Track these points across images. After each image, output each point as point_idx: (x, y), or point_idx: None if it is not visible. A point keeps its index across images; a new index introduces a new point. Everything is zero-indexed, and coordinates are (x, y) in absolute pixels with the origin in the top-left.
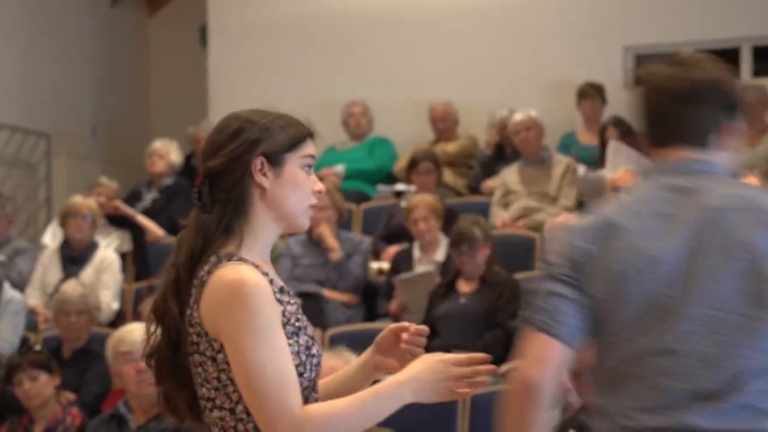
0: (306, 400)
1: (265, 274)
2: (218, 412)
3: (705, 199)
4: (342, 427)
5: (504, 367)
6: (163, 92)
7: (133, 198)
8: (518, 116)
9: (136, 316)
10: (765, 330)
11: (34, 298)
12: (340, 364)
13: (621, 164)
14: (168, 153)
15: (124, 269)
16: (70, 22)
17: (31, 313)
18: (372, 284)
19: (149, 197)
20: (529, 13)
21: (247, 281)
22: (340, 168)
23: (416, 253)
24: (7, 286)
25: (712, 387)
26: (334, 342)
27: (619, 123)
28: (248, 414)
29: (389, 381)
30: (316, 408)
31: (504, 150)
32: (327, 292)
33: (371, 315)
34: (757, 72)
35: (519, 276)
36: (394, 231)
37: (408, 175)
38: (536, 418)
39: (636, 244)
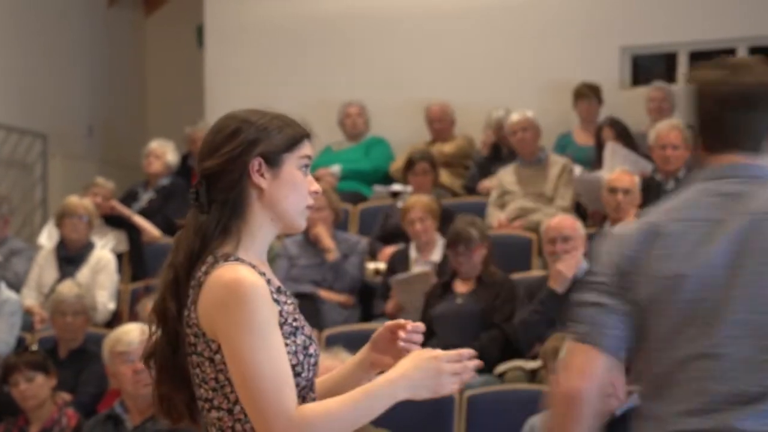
0: (303, 400)
1: (262, 274)
2: (216, 413)
3: (752, 204)
4: (336, 426)
5: (500, 368)
6: (159, 92)
7: (129, 198)
8: (515, 116)
9: (133, 317)
10: None
11: (30, 298)
12: (336, 364)
13: (617, 165)
14: (164, 153)
15: (121, 269)
16: (66, 22)
17: (27, 313)
18: (368, 285)
19: (146, 197)
20: (525, 14)
21: (245, 281)
22: (336, 168)
23: (412, 253)
24: (3, 286)
25: (754, 390)
26: (331, 342)
27: (615, 124)
28: (246, 414)
29: (381, 379)
30: (311, 408)
31: (500, 150)
32: (323, 293)
33: (368, 315)
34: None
35: (515, 276)
36: (390, 231)
37: (404, 175)
38: (579, 429)
39: (680, 249)
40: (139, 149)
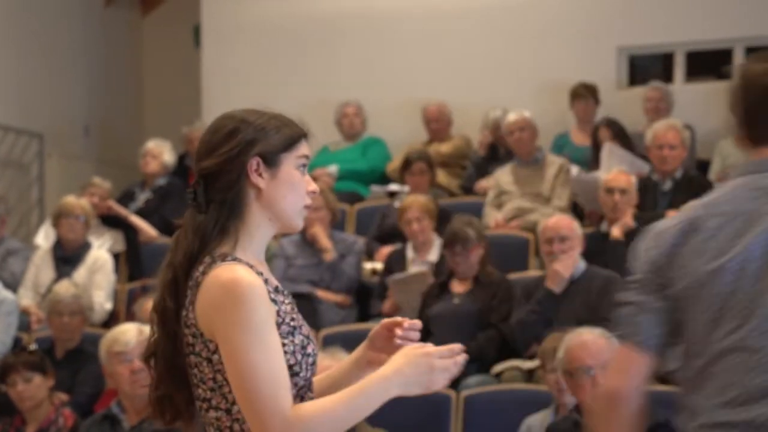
0: (302, 399)
1: (260, 273)
2: (214, 413)
3: None
4: (332, 424)
5: (497, 368)
6: (156, 92)
7: (126, 198)
8: (512, 117)
9: (129, 317)
10: None
11: (26, 298)
12: (334, 364)
13: (614, 166)
14: (161, 153)
15: (117, 269)
16: (63, 22)
17: (24, 313)
18: (365, 285)
19: (142, 197)
20: (522, 15)
21: (242, 281)
22: (333, 168)
23: (409, 253)
24: None
25: None
26: (328, 342)
27: (611, 124)
28: None
29: (375, 376)
30: (306, 407)
31: (497, 150)
32: (320, 293)
33: (365, 315)
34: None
35: (512, 276)
36: (387, 231)
37: (401, 175)
38: (624, 428)
39: (716, 243)
40: (136, 149)
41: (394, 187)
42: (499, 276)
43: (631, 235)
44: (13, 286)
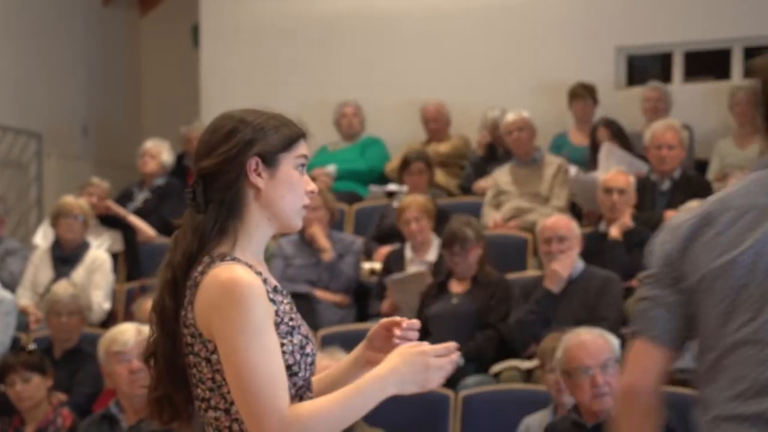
0: (301, 399)
1: (259, 273)
2: (213, 413)
3: None
4: (329, 423)
5: (496, 368)
6: (155, 92)
7: (124, 198)
8: (510, 117)
9: (128, 317)
10: None
11: (25, 298)
12: (332, 364)
13: (613, 165)
14: (160, 153)
15: (116, 269)
16: (61, 22)
17: (22, 313)
18: (364, 284)
19: (141, 197)
20: (521, 14)
21: (241, 281)
22: (331, 168)
23: (408, 253)
24: None
25: None
26: (326, 342)
27: (609, 124)
28: None
29: (371, 375)
30: (303, 407)
31: (496, 150)
32: (319, 293)
33: (363, 315)
34: (749, 73)
35: (511, 276)
36: (385, 231)
37: (400, 175)
38: (642, 422)
39: (729, 237)
40: (134, 149)
41: (392, 187)
42: (498, 276)
43: (629, 235)
44: (11, 285)
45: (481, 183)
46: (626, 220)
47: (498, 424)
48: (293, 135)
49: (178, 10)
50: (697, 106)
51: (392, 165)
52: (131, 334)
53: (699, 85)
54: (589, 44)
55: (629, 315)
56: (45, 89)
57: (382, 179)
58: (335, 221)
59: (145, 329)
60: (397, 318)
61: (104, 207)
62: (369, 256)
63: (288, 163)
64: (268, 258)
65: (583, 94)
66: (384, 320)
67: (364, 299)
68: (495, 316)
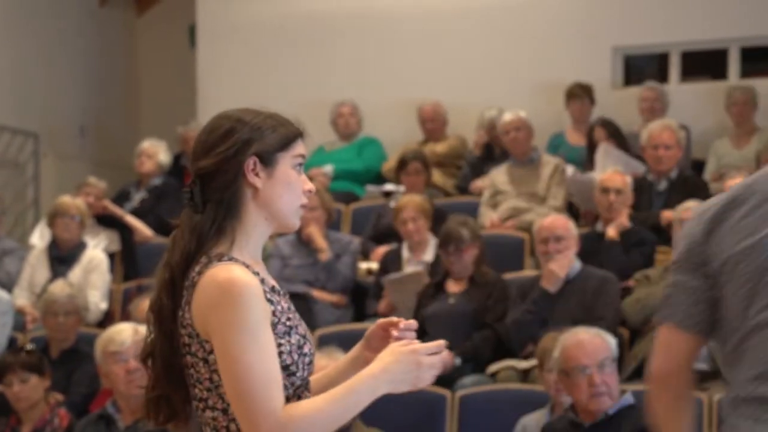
0: (299, 399)
1: (256, 273)
2: (211, 413)
3: None
4: (323, 423)
5: (493, 367)
6: (151, 92)
7: (121, 198)
8: (507, 116)
9: (125, 316)
10: None
11: (22, 298)
12: (331, 364)
13: (610, 165)
14: (156, 153)
15: (113, 269)
16: (58, 22)
17: (19, 313)
18: (361, 284)
19: (138, 197)
20: (518, 15)
21: (238, 281)
22: (328, 168)
23: (405, 253)
24: None
25: None
26: (323, 342)
27: (606, 124)
28: None
29: (363, 374)
30: (297, 407)
31: (493, 150)
32: (316, 293)
33: (360, 315)
34: (745, 73)
35: (508, 276)
36: (382, 231)
37: (397, 175)
38: (675, 403)
39: (752, 221)
40: (131, 149)
41: (389, 186)
42: (495, 276)
43: (626, 235)
44: (8, 285)
45: (478, 183)
46: (623, 220)
47: (495, 423)
48: (291, 134)
49: (175, 10)
50: (694, 106)
51: (389, 165)
52: (128, 334)
53: (696, 85)
54: (586, 44)
55: (626, 315)
56: (42, 89)
57: (379, 179)
58: (332, 221)
59: (142, 329)
60: (394, 318)
61: (101, 207)
62: (366, 256)
63: (286, 163)
64: (265, 258)
65: (580, 94)
66: (381, 320)
67: (361, 299)
68: (492, 316)
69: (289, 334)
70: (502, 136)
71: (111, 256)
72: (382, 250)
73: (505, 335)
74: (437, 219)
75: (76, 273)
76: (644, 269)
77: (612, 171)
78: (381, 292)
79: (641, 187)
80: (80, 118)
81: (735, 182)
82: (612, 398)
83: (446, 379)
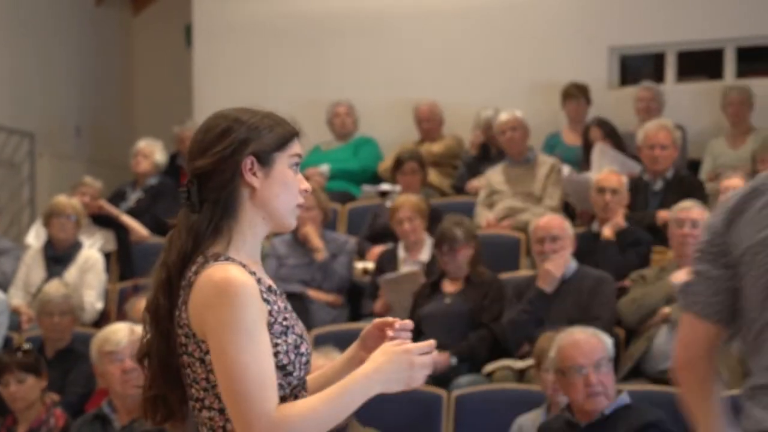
0: (296, 398)
1: (253, 273)
2: (207, 413)
3: None
4: (317, 423)
5: (489, 367)
6: (147, 92)
7: (117, 198)
8: (503, 116)
9: (121, 316)
10: None
11: (17, 297)
12: (327, 364)
13: (605, 165)
14: (153, 153)
15: (109, 269)
16: (54, 22)
17: (15, 313)
18: (357, 284)
19: (134, 197)
20: (515, 14)
21: (234, 281)
22: (325, 168)
23: (401, 253)
24: None
25: None
26: (319, 342)
27: (602, 124)
28: None
29: (356, 374)
30: (291, 408)
31: (489, 150)
32: (312, 293)
33: (356, 315)
34: (741, 73)
35: (504, 276)
36: (379, 231)
37: (393, 175)
38: (701, 386)
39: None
40: (127, 148)
41: (385, 186)
42: (491, 276)
43: (622, 235)
44: (3, 285)
45: (474, 183)
46: (619, 220)
47: (491, 423)
48: (287, 134)
49: (171, 9)
50: (690, 106)
51: (385, 165)
52: (124, 333)
53: (692, 85)
54: (582, 44)
55: (621, 315)
56: (38, 89)
57: (375, 179)
58: (328, 221)
59: (138, 329)
60: (390, 318)
61: (97, 207)
62: (362, 256)
63: (283, 162)
64: (262, 258)
65: (576, 94)
66: (377, 320)
67: (357, 299)
68: (488, 315)
69: (285, 334)
70: (498, 136)
71: (107, 255)
72: (378, 249)
73: (501, 335)
74: (433, 219)
75: (71, 273)
76: (640, 269)
77: (608, 171)
78: (377, 292)
79: (637, 187)
80: (76, 118)
81: (731, 182)
82: (608, 398)
83: (442, 379)
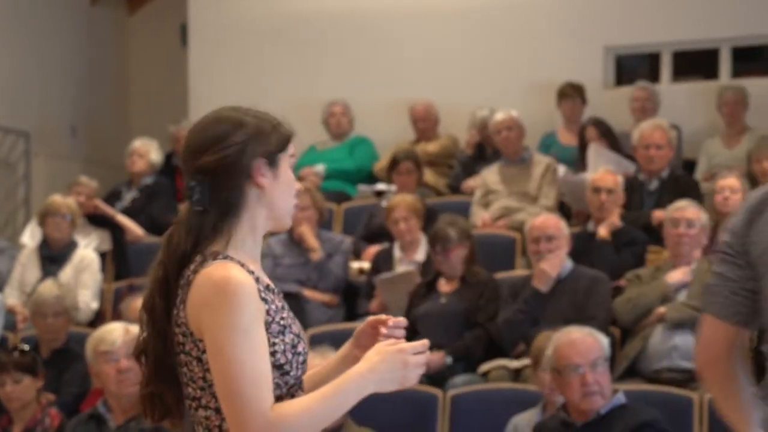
0: (292, 398)
1: (251, 272)
2: (204, 411)
3: None
4: (311, 422)
5: (484, 367)
6: (143, 91)
7: (112, 197)
8: (499, 116)
9: (116, 316)
10: None
11: (12, 297)
12: (324, 364)
13: (601, 165)
14: (148, 152)
15: (104, 269)
16: (49, 21)
17: (10, 312)
18: (352, 284)
19: (129, 196)
20: (510, 14)
21: (233, 279)
22: (320, 168)
23: (397, 252)
24: None
25: None
26: (315, 342)
27: (598, 123)
28: None
29: (350, 373)
30: (286, 407)
31: (484, 150)
32: (308, 292)
33: (352, 315)
34: (736, 73)
35: (499, 275)
36: (374, 231)
37: (388, 174)
38: (727, 384)
39: None
40: (122, 148)
41: (381, 186)
42: (486, 275)
43: (617, 234)
44: None
45: (470, 182)
46: (614, 219)
47: (486, 423)
48: (287, 135)
49: (166, 9)
50: (685, 105)
51: (381, 164)
52: (119, 333)
53: (687, 85)
54: (577, 44)
55: (617, 314)
56: (33, 88)
57: (371, 179)
58: (324, 221)
59: (133, 329)
60: (383, 316)
61: (92, 206)
62: (358, 256)
63: (285, 163)
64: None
65: (571, 94)
66: (371, 318)
67: (353, 299)
68: (483, 315)
69: (283, 333)
70: (493, 136)
71: (102, 255)
72: (373, 249)
73: (496, 335)
74: (429, 218)
75: (66, 272)
76: (635, 269)
77: (603, 171)
78: (372, 292)
79: (632, 186)
80: (71, 117)
81: (726, 182)
82: (604, 398)
83: (438, 379)
